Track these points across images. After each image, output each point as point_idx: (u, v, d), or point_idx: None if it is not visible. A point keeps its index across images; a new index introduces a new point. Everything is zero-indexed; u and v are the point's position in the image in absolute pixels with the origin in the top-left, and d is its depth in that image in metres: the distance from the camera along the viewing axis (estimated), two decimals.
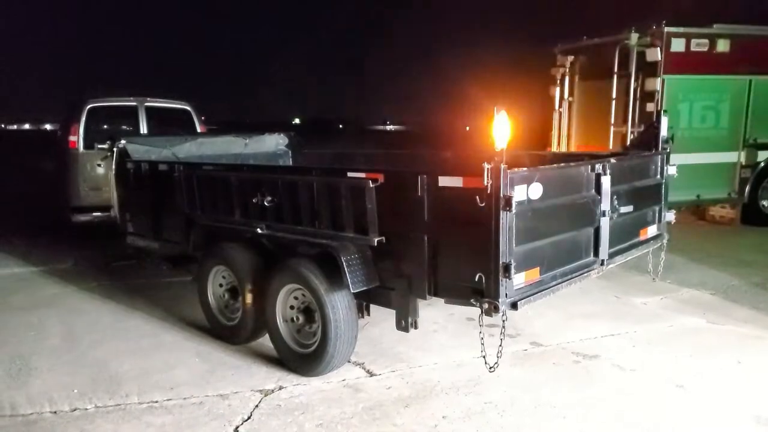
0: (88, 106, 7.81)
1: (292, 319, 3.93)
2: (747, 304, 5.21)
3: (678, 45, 7.62)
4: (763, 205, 8.69)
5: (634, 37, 7.66)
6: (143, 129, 8.01)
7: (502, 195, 2.86)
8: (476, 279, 3.01)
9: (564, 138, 8.97)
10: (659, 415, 3.32)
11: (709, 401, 3.48)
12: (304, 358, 3.85)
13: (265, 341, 4.22)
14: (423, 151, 5.78)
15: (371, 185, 3.33)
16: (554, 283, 3.37)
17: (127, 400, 3.60)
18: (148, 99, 8.21)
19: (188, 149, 5.92)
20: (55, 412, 3.48)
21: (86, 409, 3.51)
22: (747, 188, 8.36)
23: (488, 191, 2.88)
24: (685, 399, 3.51)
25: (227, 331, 4.46)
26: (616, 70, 7.92)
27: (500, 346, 3.25)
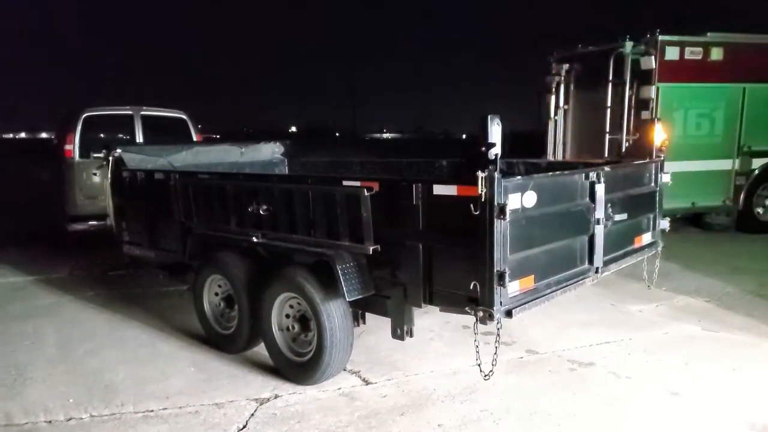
0: (84, 115, 7.83)
1: (288, 328, 3.93)
2: (742, 311, 5.23)
3: (672, 53, 7.68)
4: (758, 213, 8.73)
5: (629, 45, 7.72)
6: (139, 138, 8.02)
7: (496, 203, 2.87)
8: (471, 287, 3.02)
9: (559, 146, 9.00)
10: (654, 422, 3.33)
11: (704, 408, 3.49)
12: (299, 366, 3.84)
13: (261, 350, 4.22)
14: (418, 159, 5.79)
15: (366, 193, 3.35)
16: (549, 290, 3.38)
17: (122, 409, 3.59)
18: (144, 108, 8.23)
19: (184, 158, 5.93)
20: (50, 422, 3.46)
21: (81, 418, 3.50)
22: (742, 195, 8.40)
23: (483, 199, 2.89)
24: (680, 406, 3.52)
25: (223, 340, 4.45)
26: (611, 78, 7.96)
27: (495, 354, 3.26)
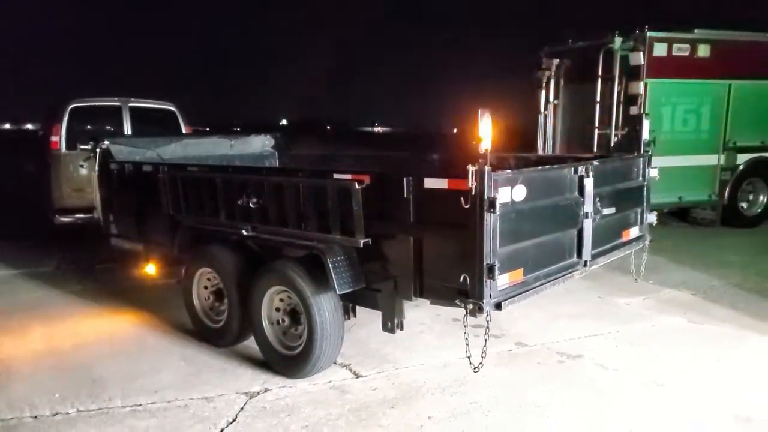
0: (71, 106, 7.72)
1: (278, 321, 3.92)
2: (726, 303, 5.31)
3: (660, 50, 7.74)
4: (743, 207, 8.86)
5: (618, 41, 7.77)
6: (127, 130, 7.93)
7: (486, 197, 2.89)
8: (461, 280, 3.03)
9: (549, 140, 9.05)
10: (641, 413, 3.38)
11: (690, 399, 3.54)
12: (289, 360, 3.84)
13: (250, 343, 4.21)
14: (409, 153, 5.80)
15: (357, 187, 3.34)
16: (538, 283, 3.41)
17: (110, 404, 3.57)
18: (132, 99, 8.13)
19: (173, 150, 5.88)
20: (35, 417, 3.43)
21: (68, 413, 3.47)
22: (727, 190, 8.52)
23: (473, 193, 2.90)
24: (666, 397, 3.57)
25: (213, 334, 4.43)
26: (600, 73, 8.02)
27: (485, 346, 3.29)
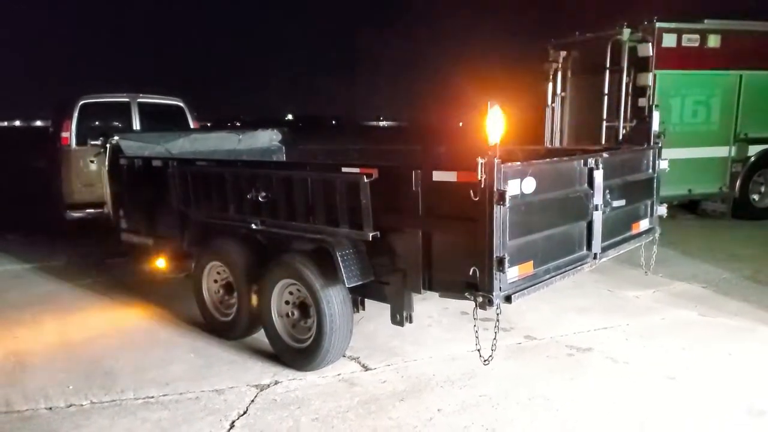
0: (81, 102, 7.77)
1: (288, 314, 3.94)
2: (738, 297, 5.27)
3: (669, 40, 7.66)
4: (754, 199, 8.78)
5: (626, 32, 7.69)
6: (136, 125, 7.97)
7: (495, 189, 2.88)
8: (470, 273, 3.03)
9: (557, 133, 9.00)
10: (651, 406, 3.37)
11: (701, 393, 3.52)
12: (299, 352, 3.86)
13: (260, 336, 4.23)
14: (417, 146, 5.78)
15: (366, 180, 3.34)
16: (548, 276, 3.40)
17: (122, 395, 3.61)
18: (141, 95, 8.17)
19: (182, 145, 5.90)
20: (50, 408, 3.48)
21: (82, 405, 3.51)
22: (738, 182, 8.43)
23: (482, 185, 2.90)
24: (677, 391, 3.56)
25: (222, 327, 4.46)
26: (608, 65, 7.94)
27: (494, 339, 3.29)
